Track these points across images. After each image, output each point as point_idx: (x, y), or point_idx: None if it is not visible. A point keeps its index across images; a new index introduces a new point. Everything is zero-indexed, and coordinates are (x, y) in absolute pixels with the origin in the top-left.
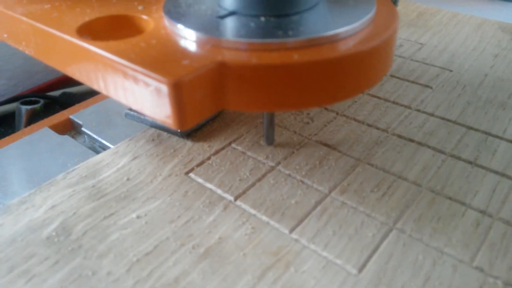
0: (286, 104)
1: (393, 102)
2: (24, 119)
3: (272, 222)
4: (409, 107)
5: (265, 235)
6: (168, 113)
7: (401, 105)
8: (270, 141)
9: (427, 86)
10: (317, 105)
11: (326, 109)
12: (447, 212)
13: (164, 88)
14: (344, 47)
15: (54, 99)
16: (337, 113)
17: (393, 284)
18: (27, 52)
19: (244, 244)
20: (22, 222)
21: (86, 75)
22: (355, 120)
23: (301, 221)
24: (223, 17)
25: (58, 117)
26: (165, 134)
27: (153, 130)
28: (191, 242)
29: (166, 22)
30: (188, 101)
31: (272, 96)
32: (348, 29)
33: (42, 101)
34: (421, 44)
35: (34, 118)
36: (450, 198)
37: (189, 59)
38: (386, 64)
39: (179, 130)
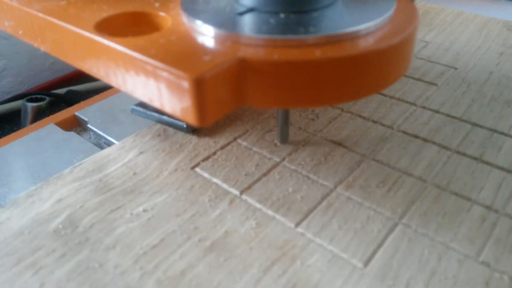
0: (305, 101)
1: (398, 99)
2: (29, 116)
3: (277, 217)
4: (415, 104)
5: (271, 229)
6: (189, 109)
7: (407, 102)
8: (284, 139)
9: (432, 83)
10: (337, 103)
11: (331, 105)
12: (452, 208)
13: (186, 84)
14: (366, 44)
15: (59, 96)
16: (342, 110)
17: (399, 279)
18: (42, 48)
19: (250, 238)
20: (29, 215)
21: (104, 72)
22: (360, 116)
23: (306, 215)
24: (242, 13)
25: (64, 114)
26: (170, 129)
27: (158, 125)
28: (197, 235)
29: (185, 18)
30: (209, 97)
31: (292, 93)
32: (369, 26)
33: (47, 98)
34: (426, 42)
35: (39, 115)
36: (455, 194)
37: (210, 55)
38: (406, 61)
39: (184, 126)
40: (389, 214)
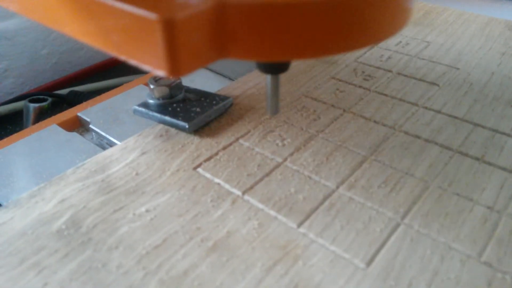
0: (292, 52)
1: (400, 100)
2: (32, 116)
3: (280, 217)
4: (416, 105)
5: (273, 230)
6: (160, 56)
7: (408, 102)
8: (274, 110)
9: (434, 83)
10: (332, 53)
11: (333, 106)
12: (454, 208)
13: (156, 27)
14: None
15: (61, 97)
16: (344, 110)
17: (401, 279)
18: (11, 8)
19: (252, 238)
20: (32, 215)
21: (74, 26)
22: (362, 117)
23: (308, 215)
24: None
25: (66, 115)
26: (173, 130)
27: (161, 126)
28: (199, 235)
29: None
30: (182, 44)
31: (280, 42)
32: None
33: (50, 99)
34: (427, 42)
35: (41, 116)
36: (457, 194)
37: None
38: (408, 9)
39: (186, 126)
40: (391, 215)
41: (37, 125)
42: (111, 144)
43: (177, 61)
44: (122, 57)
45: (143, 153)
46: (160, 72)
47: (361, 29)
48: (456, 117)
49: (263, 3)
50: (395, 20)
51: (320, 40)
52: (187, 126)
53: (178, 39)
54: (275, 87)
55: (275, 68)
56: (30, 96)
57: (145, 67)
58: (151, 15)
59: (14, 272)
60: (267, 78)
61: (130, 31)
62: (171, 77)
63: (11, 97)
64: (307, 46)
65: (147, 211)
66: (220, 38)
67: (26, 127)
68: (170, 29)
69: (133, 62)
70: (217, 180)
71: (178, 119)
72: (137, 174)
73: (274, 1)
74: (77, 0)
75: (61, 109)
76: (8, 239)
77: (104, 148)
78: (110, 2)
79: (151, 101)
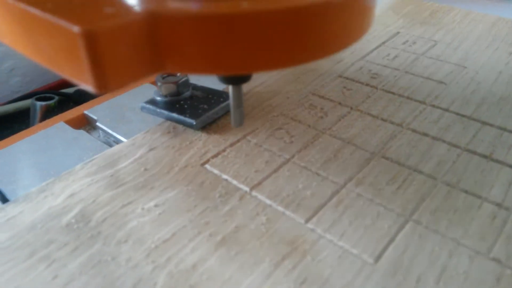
0: (235, 66)
1: (408, 98)
2: (38, 115)
3: (287, 213)
4: (424, 103)
5: (281, 225)
6: (86, 72)
7: (416, 101)
8: (238, 122)
9: (441, 82)
10: (272, 68)
11: (340, 103)
12: (463, 205)
13: (78, 40)
14: None
15: (68, 96)
16: (351, 108)
17: (409, 274)
18: None
19: (261, 233)
20: (42, 209)
21: (12, 37)
22: (369, 114)
23: (316, 211)
24: None
25: (73, 112)
26: (180, 127)
27: (168, 123)
28: (208, 230)
29: None
30: (108, 57)
31: (217, 56)
32: None
33: (56, 97)
34: (434, 41)
35: (48, 114)
36: (466, 192)
37: (114, 7)
38: (363, 20)
39: (194, 123)
40: (399, 211)
41: (44, 122)
42: (118, 142)
43: (103, 76)
44: (54, 70)
45: (151, 149)
46: (88, 88)
47: (297, 42)
48: (464, 115)
49: (196, 14)
50: (347, 31)
51: (261, 54)
52: (194, 123)
53: (102, 53)
54: (238, 97)
55: (236, 79)
56: (36, 95)
57: (74, 82)
58: (73, 27)
59: (24, 265)
60: (229, 89)
61: (56, 44)
62: (98, 93)
63: (17, 95)
64: (247, 60)
65: (155, 205)
66: (152, 51)
67: (33, 125)
68: (92, 41)
69: (63, 76)
70: (225, 176)
71: (185, 116)
72: (145, 169)
73: (207, 12)
74: (10, 11)
75: (68, 108)
76: (18, 232)
77: (111, 146)
78: (37, 12)
79: (158, 98)
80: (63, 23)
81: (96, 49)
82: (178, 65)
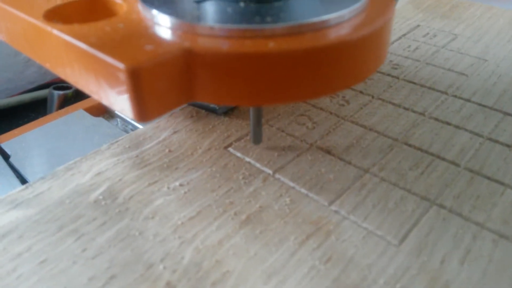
0: (261, 98)
1: (429, 88)
2: (56, 104)
3: (311, 195)
4: (446, 93)
5: (305, 206)
6: (128, 103)
7: (438, 91)
8: (257, 140)
9: (462, 74)
10: (296, 100)
11: (361, 92)
12: (486, 191)
13: (122, 75)
14: (326, 36)
15: None
16: (373, 97)
17: (434, 255)
18: (0, 37)
19: (284, 213)
20: (70, 186)
21: (53, 63)
22: (391, 103)
23: (340, 195)
24: (200, 1)
25: (91, 101)
26: (202, 111)
27: (191, 107)
28: (232, 209)
29: (140, 6)
30: (149, 90)
31: (245, 89)
32: (331, 17)
33: (73, 87)
34: (454, 34)
35: (65, 103)
36: (488, 178)
37: (154, 45)
38: (377, 57)
39: (216, 108)
40: (423, 195)
41: (63, 110)
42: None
43: (144, 108)
44: (95, 98)
45: (174, 132)
46: (129, 117)
47: (321, 78)
48: (485, 106)
49: (227, 52)
50: (364, 66)
51: (285, 88)
52: (217, 108)
53: (144, 87)
54: (258, 117)
55: None
56: (52, 85)
57: (115, 109)
58: (118, 63)
59: (54, 238)
60: (250, 109)
61: (100, 75)
62: (138, 121)
63: (32, 86)
64: (272, 93)
65: (181, 185)
66: (188, 83)
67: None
68: (136, 77)
69: (104, 103)
70: (248, 159)
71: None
72: (170, 151)
73: (236, 49)
74: (52, 37)
75: (84, 98)
76: (46, 207)
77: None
78: (83, 45)
79: None
80: (108, 59)
81: (138, 84)
82: (208, 96)
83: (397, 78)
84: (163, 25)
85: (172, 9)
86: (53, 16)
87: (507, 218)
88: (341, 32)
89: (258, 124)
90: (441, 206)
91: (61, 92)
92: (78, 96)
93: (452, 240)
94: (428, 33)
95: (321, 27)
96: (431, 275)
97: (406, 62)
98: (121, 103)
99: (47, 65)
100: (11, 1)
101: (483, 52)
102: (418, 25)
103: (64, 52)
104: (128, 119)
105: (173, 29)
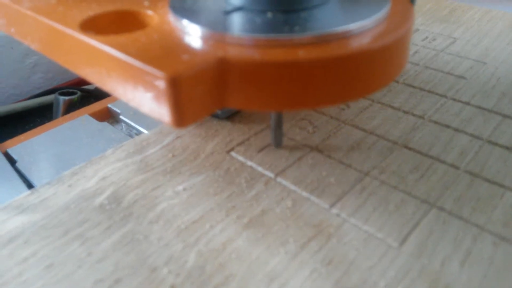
0: (290, 104)
1: (429, 91)
2: (61, 109)
3: (312, 198)
4: (445, 96)
5: (306, 209)
6: (166, 110)
7: (437, 94)
8: (277, 143)
9: (461, 77)
10: (324, 105)
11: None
12: (486, 193)
13: (162, 84)
14: (352, 45)
15: (89, 92)
16: (373, 101)
17: (434, 257)
18: (33, 47)
19: (286, 216)
20: (75, 191)
21: (89, 71)
22: (390, 107)
23: (340, 197)
24: (229, 12)
25: (96, 106)
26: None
27: None
28: (235, 213)
29: (171, 17)
30: (186, 98)
31: (275, 95)
32: (356, 27)
33: (79, 92)
34: (454, 38)
35: (71, 109)
36: (488, 181)
37: (190, 54)
38: (399, 63)
39: (219, 112)
40: (423, 198)
41: (69, 115)
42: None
43: (181, 114)
44: (132, 105)
45: (178, 137)
46: (167, 123)
47: (345, 84)
48: (485, 109)
49: (259, 60)
50: (387, 74)
51: (313, 94)
52: (219, 113)
53: (182, 95)
54: (279, 121)
55: None
56: (58, 90)
57: (151, 116)
58: (158, 72)
59: (59, 242)
60: (271, 113)
61: (138, 84)
62: (176, 128)
63: (38, 91)
64: (301, 99)
65: (184, 189)
66: (221, 90)
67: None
68: (175, 86)
69: (141, 110)
70: (250, 163)
71: None
72: (173, 155)
73: (268, 58)
74: (89, 48)
75: (89, 103)
76: (52, 212)
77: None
78: (121, 55)
79: None
80: (148, 68)
81: (177, 92)
82: (239, 103)
83: (397, 82)
84: (196, 36)
85: (202, 19)
86: (88, 26)
87: (507, 221)
88: (365, 41)
89: (279, 127)
90: (441, 209)
91: (66, 98)
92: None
93: (453, 243)
94: (427, 37)
95: (346, 36)
96: (431, 278)
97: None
98: (159, 110)
99: (82, 74)
100: (46, 13)
101: (482, 55)
102: (417, 29)
103: (102, 62)
104: (133, 124)
105: (206, 39)
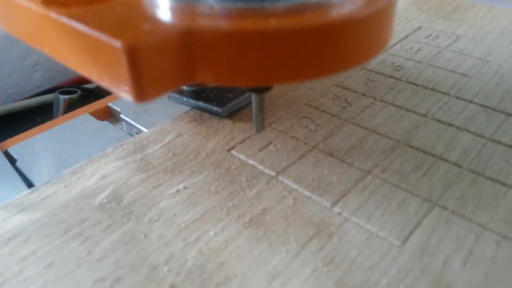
0: (263, 79)
1: (431, 89)
2: (62, 108)
3: (314, 196)
4: (448, 94)
5: (308, 208)
6: (125, 83)
7: (440, 92)
8: (259, 128)
9: (464, 75)
10: (299, 80)
11: (363, 94)
12: (488, 192)
13: (120, 53)
14: (327, 15)
15: (90, 90)
16: (375, 99)
17: (436, 256)
18: (1, 26)
19: (287, 215)
20: (75, 190)
21: (52, 47)
22: (393, 105)
23: (342, 196)
24: None
25: (97, 105)
26: (206, 114)
27: (194, 111)
28: (236, 211)
29: None
30: (147, 70)
31: (246, 69)
32: None
33: (79, 91)
34: (457, 36)
35: (71, 107)
36: (491, 179)
37: (152, 24)
38: (381, 37)
39: (220, 111)
40: (425, 197)
41: (69, 114)
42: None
43: (142, 87)
44: (93, 79)
45: (178, 135)
46: (126, 97)
47: (321, 57)
48: (488, 107)
49: (225, 31)
50: (366, 48)
51: (287, 68)
52: (221, 111)
53: (142, 66)
54: (260, 105)
55: (258, 88)
56: (59, 89)
57: (113, 90)
58: (115, 42)
59: (59, 241)
60: (252, 97)
61: (97, 56)
62: (136, 102)
63: (39, 90)
64: (273, 73)
65: (184, 188)
66: (187, 63)
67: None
68: (133, 56)
69: (103, 84)
70: (251, 162)
71: (212, 104)
72: (173, 154)
73: (236, 28)
74: (50, 22)
75: (90, 102)
76: (52, 211)
77: None
78: (79, 26)
79: (185, 88)
80: (105, 38)
81: (136, 63)
82: (208, 77)
83: (399, 80)
84: (162, 7)
85: None
86: (52, 1)
87: (510, 219)
88: (341, 11)
89: (260, 112)
90: (444, 207)
91: (66, 97)
92: (83, 100)
93: (455, 241)
94: (430, 35)
95: (322, 6)
96: (433, 276)
97: (408, 63)
98: (119, 83)
99: (46, 50)
100: None
101: (485, 53)
102: (420, 27)
103: (62, 35)
104: (133, 123)
105: (173, 10)
